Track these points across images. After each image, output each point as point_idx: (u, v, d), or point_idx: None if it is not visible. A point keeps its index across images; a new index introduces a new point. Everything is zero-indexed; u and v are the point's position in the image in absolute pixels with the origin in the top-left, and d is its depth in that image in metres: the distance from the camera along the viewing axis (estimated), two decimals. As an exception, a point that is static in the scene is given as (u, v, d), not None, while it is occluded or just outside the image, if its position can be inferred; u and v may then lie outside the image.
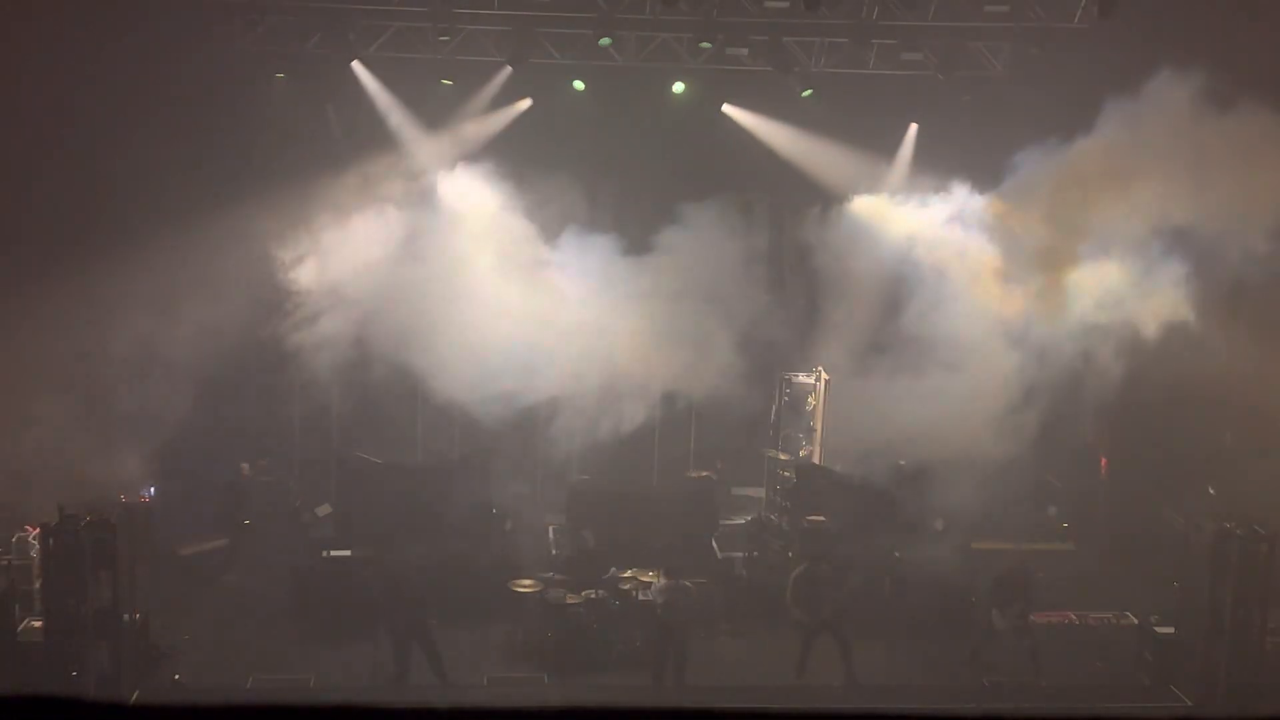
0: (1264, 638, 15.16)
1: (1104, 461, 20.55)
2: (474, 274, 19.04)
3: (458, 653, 15.42)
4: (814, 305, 20.33)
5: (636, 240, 19.38)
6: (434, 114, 20.10)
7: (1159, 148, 16.33)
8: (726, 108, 21.00)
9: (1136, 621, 17.04)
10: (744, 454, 21.01)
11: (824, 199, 20.45)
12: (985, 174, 18.97)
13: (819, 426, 19.90)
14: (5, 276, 17.44)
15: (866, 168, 20.45)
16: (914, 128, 20.79)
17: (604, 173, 20.02)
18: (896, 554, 17.71)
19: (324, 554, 17.52)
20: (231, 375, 19.39)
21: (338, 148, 19.87)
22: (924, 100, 20.51)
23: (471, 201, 19.46)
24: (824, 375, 19.82)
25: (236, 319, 19.04)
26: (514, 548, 18.35)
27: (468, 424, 19.97)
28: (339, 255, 18.75)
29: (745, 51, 19.93)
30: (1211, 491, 17.88)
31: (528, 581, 16.64)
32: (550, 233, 19.26)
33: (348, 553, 17.41)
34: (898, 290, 19.62)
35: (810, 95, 20.54)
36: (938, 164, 19.96)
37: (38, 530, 15.15)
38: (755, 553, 18.55)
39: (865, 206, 20.25)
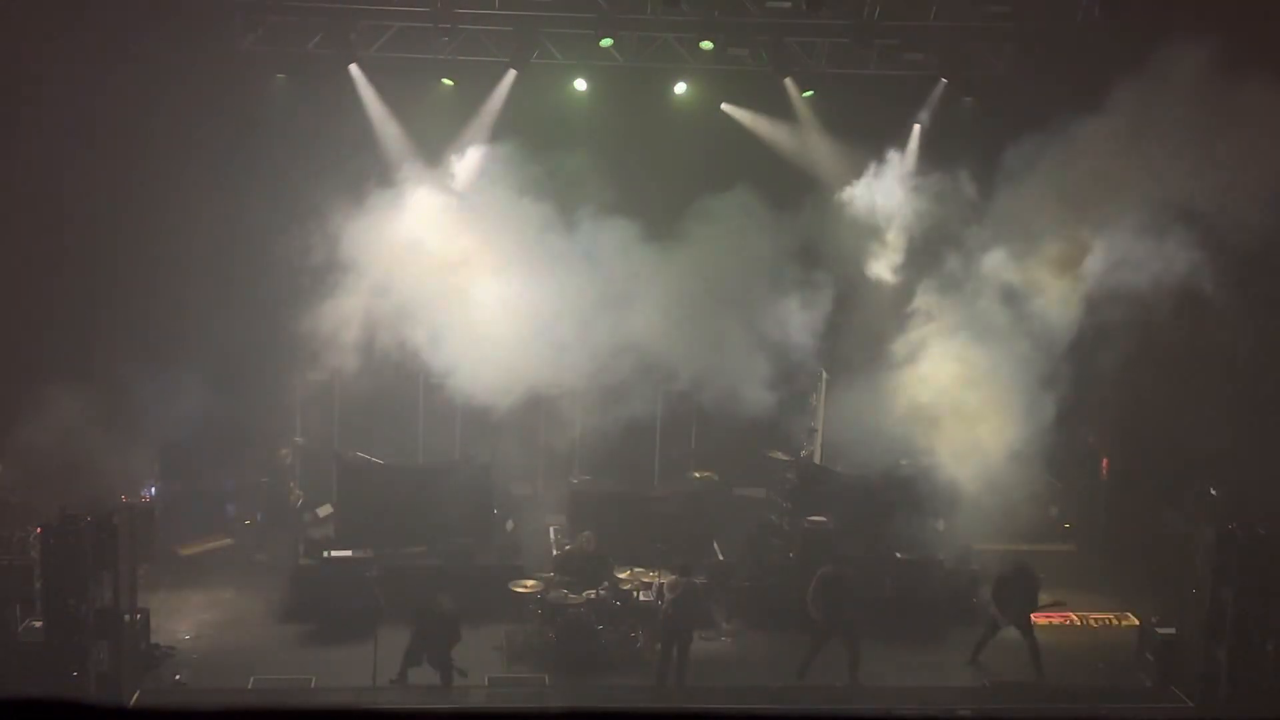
0: (1265, 638, 15.14)
1: (1105, 462, 20.54)
2: (485, 262, 19.01)
3: (459, 653, 15.39)
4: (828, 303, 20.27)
5: (652, 229, 19.29)
6: (435, 115, 20.10)
7: (1168, 123, 16.21)
8: (725, 107, 20.98)
9: (1138, 622, 17.05)
10: (746, 455, 20.97)
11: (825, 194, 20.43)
12: (989, 166, 18.90)
13: (820, 426, 19.90)
14: (7, 276, 17.47)
15: (869, 166, 20.42)
16: (917, 127, 20.74)
17: (611, 170, 19.92)
18: (898, 554, 17.70)
19: (325, 554, 17.51)
20: (233, 375, 19.37)
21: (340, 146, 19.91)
22: (925, 100, 20.51)
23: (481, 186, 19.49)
24: (825, 375, 19.82)
25: (238, 318, 19.08)
26: (515, 548, 18.35)
27: (469, 424, 19.98)
28: (347, 246, 18.72)
29: (746, 52, 19.94)
30: (1213, 492, 17.86)
31: (529, 582, 16.65)
32: (565, 219, 19.19)
33: (349, 553, 17.41)
34: (903, 285, 19.67)
35: (811, 96, 20.54)
36: (940, 159, 19.98)
37: (39, 530, 15.15)
38: (758, 553, 18.54)
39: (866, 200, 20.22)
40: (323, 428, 20.70)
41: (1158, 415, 18.99)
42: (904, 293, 19.75)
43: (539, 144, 19.07)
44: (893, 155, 19.99)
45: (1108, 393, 19.65)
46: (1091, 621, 17.94)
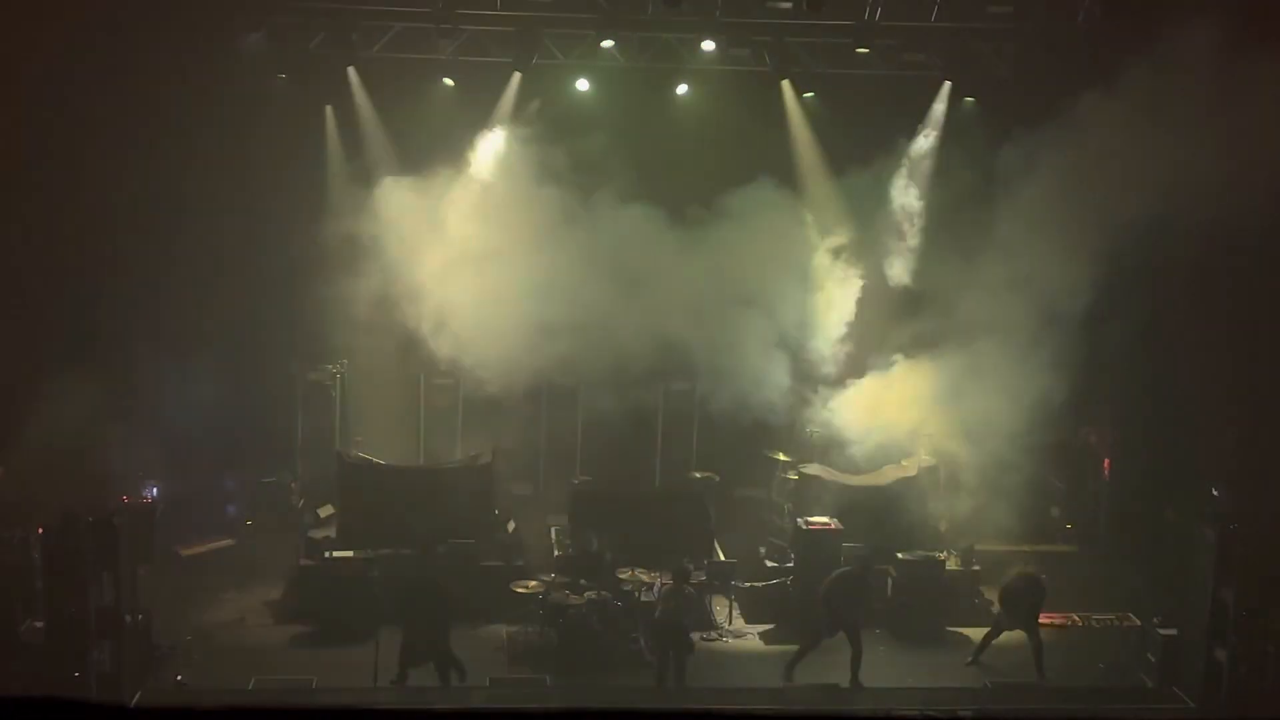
0: (1267, 639, 15.13)
1: (1107, 463, 20.53)
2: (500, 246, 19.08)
3: (460, 654, 15.39)
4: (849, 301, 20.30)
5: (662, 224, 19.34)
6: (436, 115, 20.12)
7: (1179, 100, 16.17)
8: (724, 106, 20.95)
9: (1139, 623, 17.03)
10: (748, 455, 20.96)
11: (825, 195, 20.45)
12: (990, 166, 18.91)
13: (821, 428, 19.88)
14: (8, 276, 17.48)
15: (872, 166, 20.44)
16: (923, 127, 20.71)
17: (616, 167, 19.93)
18: (899, 555, 17.69)
19: (326, 555, 17.51)
20: (235, 374, 19.38)
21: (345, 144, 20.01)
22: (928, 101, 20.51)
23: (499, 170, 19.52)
24: (828, 375, 19.83)
25: (239, 318, 19.09)
26: (516, 549, 18.34)
27: (470, 424, 19.98)
28: (347, 245, 18.76)
29: (748, 52, 19.92)
30: (1215, 493, 17.84)
31: (530, 583, 16.64)
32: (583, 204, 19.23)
33: (350, 554, 17.40)
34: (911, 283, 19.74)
35: (811, 97, 20.54)
36: (942, 159, 20.01)
37: (40, 530, 15.15)
38: (760, 553, 18.54)
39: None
40: (324, 428, 20.71)
41: (1159, 415, 19.01)
42: (911, 291, 19.82)
43: (550, 137, 19.14)
44: (898, 156, 20.04)
45: (1109, 393, 19.64)
46: (1093, 622, 17.92)
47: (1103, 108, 17.24)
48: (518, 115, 20.04)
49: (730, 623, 17.39)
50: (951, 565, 17.80)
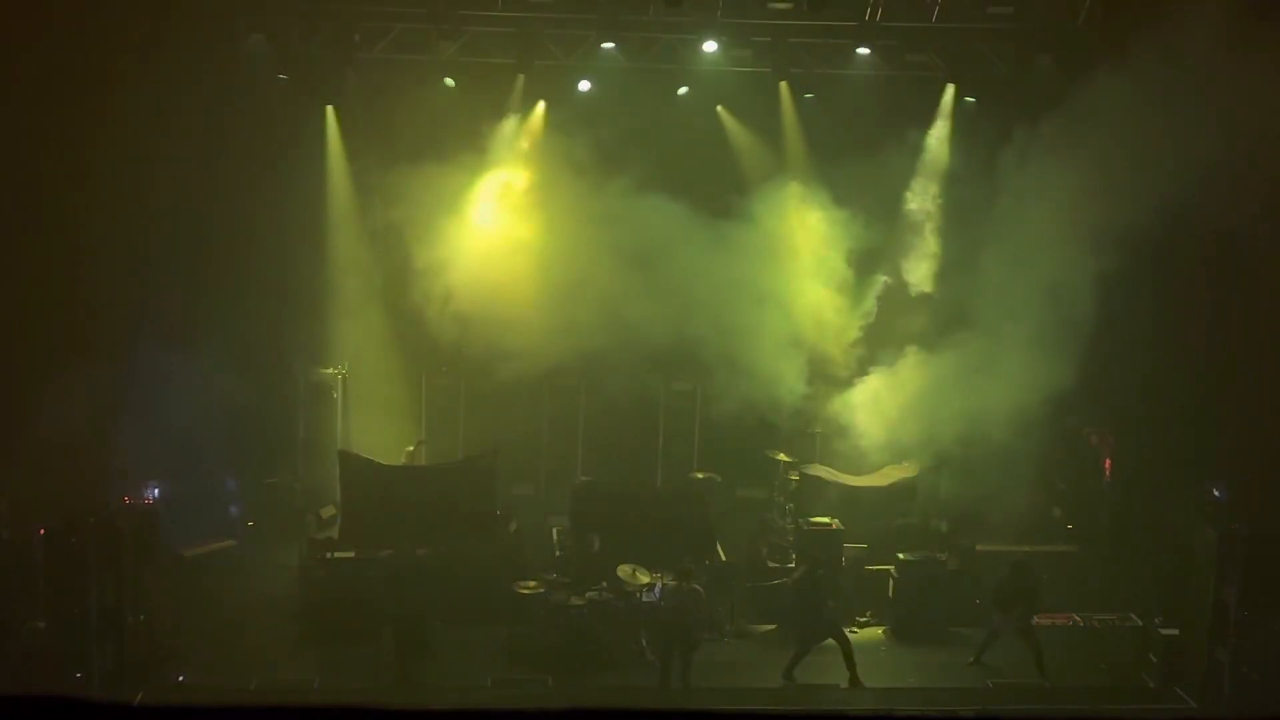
0: (1268, 639, 15.13)
1: (1108, 463, 20.51)
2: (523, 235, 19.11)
3: (461, 654, 15.41)
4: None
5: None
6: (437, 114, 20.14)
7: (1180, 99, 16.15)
8: (721, 110, 20.96)
9: (1141, 623, 17.02)
10: (749, 455, 20.96)
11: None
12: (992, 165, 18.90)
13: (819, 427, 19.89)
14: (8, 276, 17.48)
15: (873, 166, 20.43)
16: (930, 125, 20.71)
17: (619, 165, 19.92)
18: (900, 555, 17.69)
19: (327, 555, 17.51)
20: (236, 373, 19.38)
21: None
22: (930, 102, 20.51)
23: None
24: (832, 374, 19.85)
25: (240, 318, 19.09)
26: (518, 549, 18.34)
27: (470, 424, 19.99)
28: (349, 245, 18.79)
29: (749, 53, 19.92)
30: (1216, 493, 17.83)
31: (531, 583, 16.64)
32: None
33: (351, 554, 17.41)
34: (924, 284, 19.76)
35: (811, 98, 20.54)
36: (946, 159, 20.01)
37: (42, 531, 15.16)
38: (762, 553, 18.54)
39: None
40: (326, 429, 20.72)
41: (1160, 415, 19.01)
42: (920, 291, 19.84)
43: (550, 137, 19.18)
44: (900, 155, 20.04)
45: (1109, 392, 19.64)
46: (1094, 622, 17.92)
47: (1103, 107, 17.25)
48: (521, 114, 20.06)
49: (731, 623, 17.40)
50: (952, 565, 17.80)
